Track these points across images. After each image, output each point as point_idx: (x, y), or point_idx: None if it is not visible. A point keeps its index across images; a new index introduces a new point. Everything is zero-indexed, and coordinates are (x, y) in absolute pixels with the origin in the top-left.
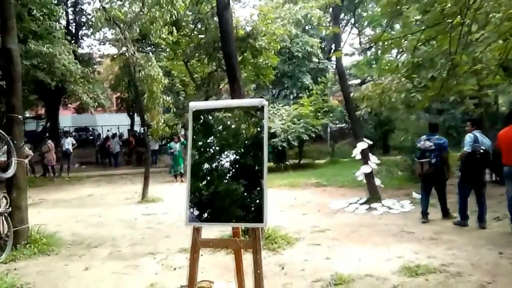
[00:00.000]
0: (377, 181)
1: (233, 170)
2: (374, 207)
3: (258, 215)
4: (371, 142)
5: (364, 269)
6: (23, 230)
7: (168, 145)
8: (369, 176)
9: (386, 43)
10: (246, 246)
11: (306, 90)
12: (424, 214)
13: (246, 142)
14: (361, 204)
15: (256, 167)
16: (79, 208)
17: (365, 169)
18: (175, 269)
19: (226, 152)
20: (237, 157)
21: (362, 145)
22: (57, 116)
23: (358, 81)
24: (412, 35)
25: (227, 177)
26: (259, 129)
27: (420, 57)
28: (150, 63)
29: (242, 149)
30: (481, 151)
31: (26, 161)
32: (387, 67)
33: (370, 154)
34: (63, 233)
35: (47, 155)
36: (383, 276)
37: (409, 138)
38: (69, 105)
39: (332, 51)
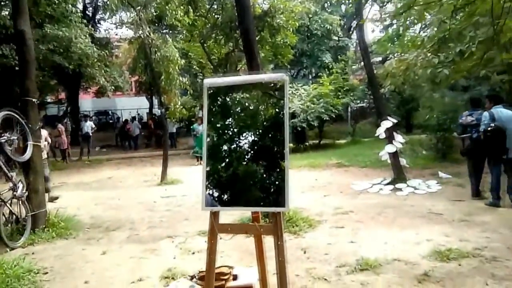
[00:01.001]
0: (403, 161)
1: (252, 152)
2: (399, 188)
3: (279, 199)
4: (396, 120)
5: (391, 253)
6: (41, 214)
7: (191, 127)
8: (394, 156)
9: (409, 17)
10: (267, 232)
11: (326, 69)
12: (477, 192)
13: (265, 123)
14: (385, 184)
15: (276, 148)
16: (99, 191)
17: (390, 148)
18: (193, 253)
19: (244, 134)
20: (256, 138)
21: (387, 123)
22: (77, 100)
23: (379, 59)
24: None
25: (246, 159)
26: (277, 109)
27: (446, 31)
28: (166, 44)
29: (261, 130)
30: (490, 128)
31: (45, 143)
32: (410, 43)
33: (395, 133)
34: (82, 216)
35: (57, 138)
36: (412, 260)
37: (434, 116)
38: (88, 89)
39: (352, 28)
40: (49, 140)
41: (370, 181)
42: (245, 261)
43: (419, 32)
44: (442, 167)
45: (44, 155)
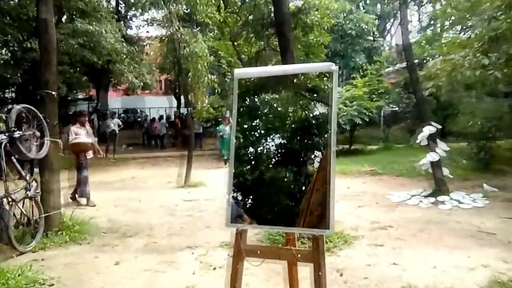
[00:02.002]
0: (445, 171)
1: (281, 157)
2: (441, 201)
3: (321, 219)
4: (440, 126)
5: (442, 281)
6: (55, 216)
7: (218, 128)
8: (435, 165)
9: (449, 18)
10: (305, 259)
11: (359, 71)
12: None
13: (293, 125)
14: (425, 196)
15: (309, 154)
16: (120, 191)
17: (433, 156)
18: (214, 268)
19: (273, 136)
20: (284, 141)
21: (430, 129)
22: (107, 97)
23: (416, 61)
24: None
25: (275, 165)
26: (306, 112)
27: (498, 29)
28: (195, 39)
29: (289, 133)
30: None
31: (92, 141)
32: (452, 43)
33: (438, 140)
34: (100, 219)
35: None
36: None
37: (478, 123)
38: (118, 87)
39: (388, 28)
40: (94, 138)
41: (408, 191)
42: (272, 282)
43: (460, 33)
44: (485, 179)
45: (90, 154)
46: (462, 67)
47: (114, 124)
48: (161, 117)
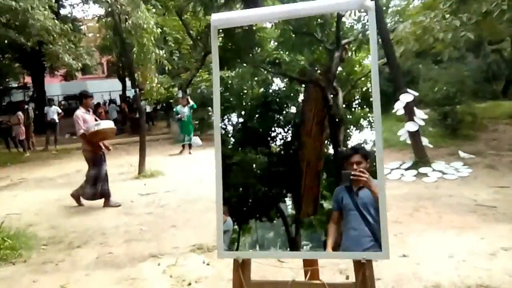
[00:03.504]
0: (424, 141)
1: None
2: (423, 173)
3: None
4: (417, 93)
5: (467, 274)
6: None
7: (175, 109)
8: (415, 135)
9: None
10: None
11: None
12: None
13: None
14: (406, 169)
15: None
16: (64, 189)
17: (411, 126)
18: (189, 284)
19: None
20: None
21: (406, 97)
22: (43, 84)
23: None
24: None
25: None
26: (264, 89)
27: None
28: (138, 9)
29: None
30: None
31: None
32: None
33: (415, 109)
34: (39, 226)
35: (15, 127)
36: (505, 286)
37: (444, 88)
38: (56, 72)
39: None
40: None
41: (387, 165)
42: None
43: None
44: (456, 146)
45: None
46: (433, 30)
47: (52, 112)
48: (111, 101)
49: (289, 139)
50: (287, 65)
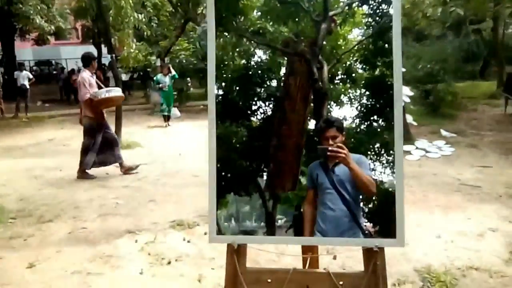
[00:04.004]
0: (409, 118)
1: None
2: (407, 150)
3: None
4: (403, 69)
5: (456, 255)
6: None
7: (155, 78)
8: None
9: None
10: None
11: None
12: None
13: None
14: None
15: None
16: (36, 158)
17: None
18: (169, 262)
19: None
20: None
21: None
22: (13, 48)
23: None
24: None
25: None
26: (245, 61)
27: None
28: None
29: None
30: None
31: None
32: None
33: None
34: (8, 198)
35: None
36: (496, 269)
37: (428, 66)
38: (27, 36)
39: None
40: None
41: None
42: None
43: None
44: (438, 124)
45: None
46: (423, 3)
47: (23, 77)
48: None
49: (270, 113)
50: (271, 35)
